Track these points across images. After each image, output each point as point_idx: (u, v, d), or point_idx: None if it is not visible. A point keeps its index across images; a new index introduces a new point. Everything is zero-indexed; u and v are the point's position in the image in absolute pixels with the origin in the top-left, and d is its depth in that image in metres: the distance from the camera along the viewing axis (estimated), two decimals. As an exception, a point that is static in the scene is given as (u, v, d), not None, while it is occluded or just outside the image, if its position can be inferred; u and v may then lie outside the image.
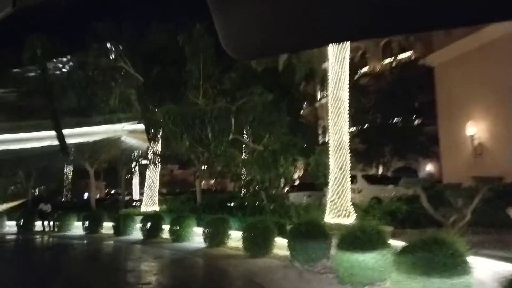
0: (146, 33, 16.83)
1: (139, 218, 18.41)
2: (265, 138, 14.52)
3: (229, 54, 0.93)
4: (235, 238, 13.56)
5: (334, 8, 0.78)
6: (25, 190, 26.24)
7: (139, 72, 16.97)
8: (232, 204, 18.59)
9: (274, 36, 0.88)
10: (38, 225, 22.16)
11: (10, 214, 23.55)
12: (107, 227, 19.80)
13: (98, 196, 45.65)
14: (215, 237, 13.96)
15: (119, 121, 19.08)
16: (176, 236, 15.60)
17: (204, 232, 14.44)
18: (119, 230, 18.62)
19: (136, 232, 17.97)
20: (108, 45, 16.80)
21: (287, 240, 10.81)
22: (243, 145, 16.84)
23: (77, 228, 20.70)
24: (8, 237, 20.71)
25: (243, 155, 16.47)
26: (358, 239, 8.32)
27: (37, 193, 30.81)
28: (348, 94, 13.24)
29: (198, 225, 15.55)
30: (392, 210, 13.47)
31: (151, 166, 21.25)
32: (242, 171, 16.06)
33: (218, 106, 14.69)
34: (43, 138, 23.33)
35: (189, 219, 15.82)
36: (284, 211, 14.18)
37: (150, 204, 21.79)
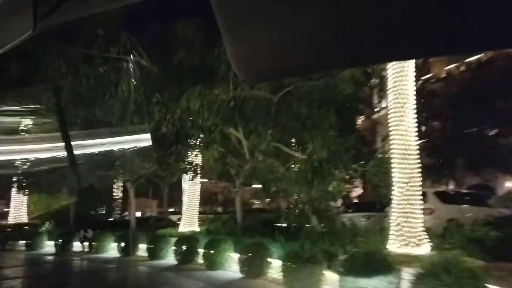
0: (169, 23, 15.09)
1: (175, 239, 16.61)
2: (313, 142, 11.89)
3: (240, 77, 0.95)
4: (277, 267, 11.21)
5: (347, 32, 0.80)
6: (67, 208, 25.79)
7: (158, 62, 14.71)
8: (277, 226, 16.22)
9: (286, 60, 0.90)
10: (77, 245, 21.23)
11: (50, 233, 22.90)
12: (144, 249, 18.21)
13: (149, 214, 45.44)
14: (253, 266, 11.68)
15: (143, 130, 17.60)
16: (210, 262, 13.50)
17: (240, 259, 12.22)
18: (153, 253, 16.93)
19: (171, 256, 16.17)
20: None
21: (338, 276, 8.29)
22: (285, 153, 14.26)
23: (113, 249, 19.38)
24: (45, 258, 19.84)
25: (285, 166, 13.96)
26: (441, 281, 5.70)
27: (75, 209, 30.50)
28: (413, 98, 10.57)
29: (236, 250, 13.35)
30: (477, 236, 10.41)
31: (187, 179, 19.50)
32: (285, 187, 13.61)
33: (255, 95, 12.12)
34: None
35: (225, 243, 13.68)
36: (336, 237, 11.56)
37: (190, 224, 20.01)
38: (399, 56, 0.92)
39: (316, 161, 11.33)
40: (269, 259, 11.66)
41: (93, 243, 20.43)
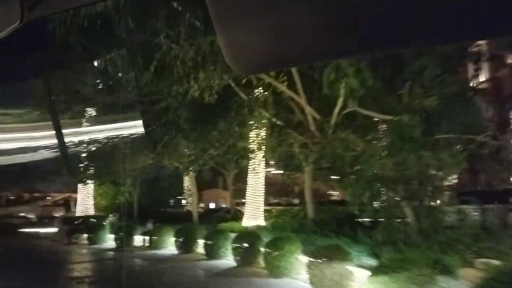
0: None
1: (235, 235, 14.15)
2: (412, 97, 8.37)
3: (233, 68, 0.96)
4: (361, 280, 8.12)
5: (340, 22, 0.80)
6: (131, 199, 24.76)
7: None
8: (358, 221, 12.91)
9: (279, 50, 0.90)
10: (138, 239, 19.82)
11: (113, 226, 21.84)
12: (203, 245, 16.03)
13: (223, 205, 44.07)
14: (327, 275, 8.67)
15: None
16: (273, 266, 10.74)
17: (310, 265, 9.29)
18: (211, 251, 14.65)
19: (230, 255, 13.76)
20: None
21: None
22: (365, 122, 10.64)
23: (172, 244, 17.49)
24: (101, 254, 18.59)
25: (367, 137, 10.45)
26: None
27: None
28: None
29: (306, 252, 10.42)
30: None
31: (252, 167, 16.93)
32: (368, 165, 10.10)
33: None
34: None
35: (291, 243, 10.81)
36: (449, 240, 8.04)
37: (254, 217, 17.44)
38: (395, 45, 0.89)
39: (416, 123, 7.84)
40: (349, 267, 8.58)
41: (153, 237, 18.78)
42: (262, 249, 12.00)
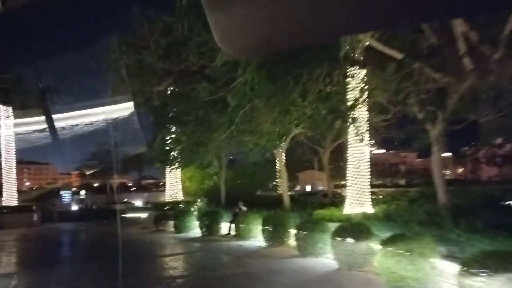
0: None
1: (335, 226, 10.90)
2: None
3: (223, 50, 0.96)
4: None
5: (329, 4, 0.79)
6: (219, 183, 22.79)
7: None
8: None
9: (269, 33, 0.89)
10: (225, 227, 17.68)
11: (200, 212, 20.05)
12: (296, 237, 13.07)
13: (321, 188, 40.76)
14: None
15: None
16: (395, 279, 7.28)
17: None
18: (305, 245, 11.62)
19: (329, 253, 10.59)
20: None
21: None
22: None
23: (260, 234, 14.88)
24: (184, 244, 16.72)
25: None
26: None
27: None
28: None
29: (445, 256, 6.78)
30: None
31: (354, 141, 13.40)
32: None
33: None
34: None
35: (423, 245, 7.22)
36: None
37: (358, 202, 13.94)
38: (386, 23, 0.95)
39: None
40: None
41: (240, 225, 16.37)
42: (377, 248, 8.61)
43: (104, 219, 32.41)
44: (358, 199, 13.91)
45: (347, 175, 14.48)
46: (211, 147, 18.03)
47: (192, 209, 20.75)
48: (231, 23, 0.86)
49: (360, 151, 14.03)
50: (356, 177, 14.01)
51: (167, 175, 24.67)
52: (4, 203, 28.77)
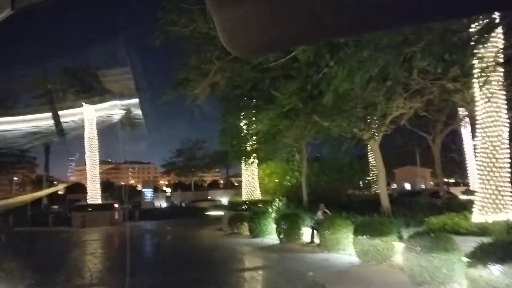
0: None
1: (465, 242, 7.16)
2: None
3: (228, 50, 0.93)
4: None
5: (334, 2, 0.80)
6: (300, 180, 19.52)
7: None
8: None
9: (274, 32, 0.89)
10: (306, 233, 14.56)
11: (278, 214, 17.10)
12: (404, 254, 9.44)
13: (422, 187, 35.35)
14: None
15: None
16: None
17: None
18: (417, 271, 7.95)
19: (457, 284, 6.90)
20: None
21: None
22: None
23: (351, 245, 11.45)
24: (254, 254, 13.86)
25: None
26: None
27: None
28: None
29: None
30: None
31: (485, 116, 9.31)
32: None
33: None
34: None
35: None
36: None
37: (494, 206, 9.76)
38: (389, 24, 0.86)
39: None
40: None
41: (325, 232, 13.06)
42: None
43: (186, 217, 31.43)
44: (494, 201, 9.73)
45: (477, 167, 10.30)
46: (291, 134, 15.05)
47: (270, 210, 17.88)
48: (235, 22, 0.85)
49: (495, 133, 9.83)
50: (490, 171, 9.82)
51: (243, 171, 22.18)
52: (89, 201, 28.99)
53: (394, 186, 41.39)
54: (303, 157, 18.23)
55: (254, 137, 18.31)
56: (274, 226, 15.67)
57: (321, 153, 24.00)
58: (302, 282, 9.08)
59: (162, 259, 13.92)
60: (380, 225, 10.89)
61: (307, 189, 18.40)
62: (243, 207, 20.41)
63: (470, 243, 7.05)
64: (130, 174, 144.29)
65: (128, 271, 9.55)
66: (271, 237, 15.99)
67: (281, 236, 14.94)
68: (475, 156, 10.57)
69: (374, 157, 14.21)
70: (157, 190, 56.09)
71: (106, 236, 20.90)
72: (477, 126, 10.26)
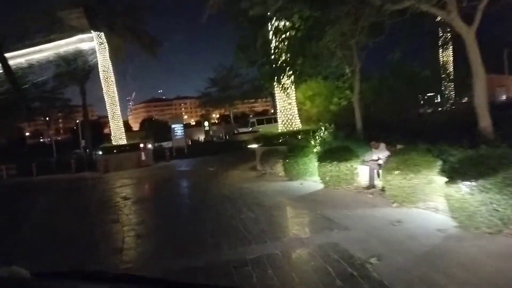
0: None
1: None
2: None
3: None
4: None
5: None
6: (351, 102, 14.36)
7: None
8: None
9: None
10: (363, 173, 10.10)
11: (324, 145, 12.60)
12: None
13: (503, 97, 28.82)
14: None
15: None
16: None
17: None
18: None
19: None
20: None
21: None
22: None
23: (441, 199, 6.89)
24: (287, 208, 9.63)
25: None
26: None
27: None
28: None
29: None
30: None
31: None
32: None
33: None
34: None
35: None
36: None
37: None
38: None
39: None
40: None
41: (394, 172, 8.45)
42: None
43: (223, 152, 27.98)
44: None
45: None
46: (334, 31, 10.05)
47: (312, 143, 13.41)
48: None
49: None
50: None
51: (276, 96, 17.48)
52: (113, 142, 26.14)
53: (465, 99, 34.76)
54: (355, 68, 13.11)
55: (287, 47, 13.43)
56: (317, 164, 11.26)
57: (381, 61, 18.45)
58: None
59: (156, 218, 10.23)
60: (495, 162, 6.13)
61: (361, 112, 13.49)
62: (279, 140, 16.12)
63: None
64: (183, 109, 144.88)
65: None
66: (313, 179, 11.73)
67: (326, 178, 10.58)
68: None
69: (469, 54, 8.89)
70: (199, 124, 53.15)
71: (121, 183, 17.78)
72: None
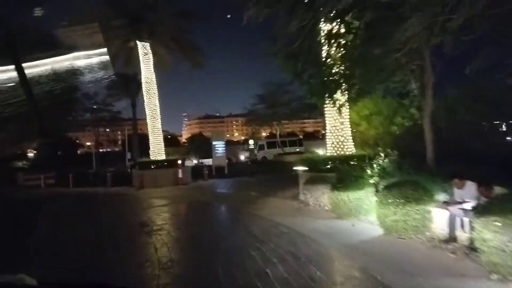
0: None
1: None
2: None
3: None
4: None
5: None
6: (418, 124, 11.56)
7: None
8: None
9: None
10: (439, 219, 7.49)
11: (382, 177, 10.03)
12: None
13: None
14: None
15: None
16: None
17: None
18: None
19: None
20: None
21: None
22: None
23: None
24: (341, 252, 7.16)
25: None
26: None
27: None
28: None
29: None
30: None
31: None
32: None
33: None
34: None
35: None
36: None
37: None
38: None
39: None
40: None
41: (494, 225, 5.85)
42: None
43: (266, 173, 25.92)
44: None
45: None
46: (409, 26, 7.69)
47: (368, 171, 10.88)
48: None
49: None
50: None
51: (326, 114, 15.07)
52: (152, 157, 24.84)
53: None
54: (427, 80, 10.49)
55: (342, 55, 11.16)
56: (375, 200, 8.74)
57: (457, 75, 15.58)
58: None
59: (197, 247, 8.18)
60: None
61: (432, 136, 10.75)
62: (327, 166, 13.68)
63: None
64: (234, 127, 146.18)
65: None
66: (369, 220, 9.21)
67: (388, 222, 8.02)
68: None
69: None
70: (246, 141, 51.56)
71: (148, 204, 16.11)
72: None
